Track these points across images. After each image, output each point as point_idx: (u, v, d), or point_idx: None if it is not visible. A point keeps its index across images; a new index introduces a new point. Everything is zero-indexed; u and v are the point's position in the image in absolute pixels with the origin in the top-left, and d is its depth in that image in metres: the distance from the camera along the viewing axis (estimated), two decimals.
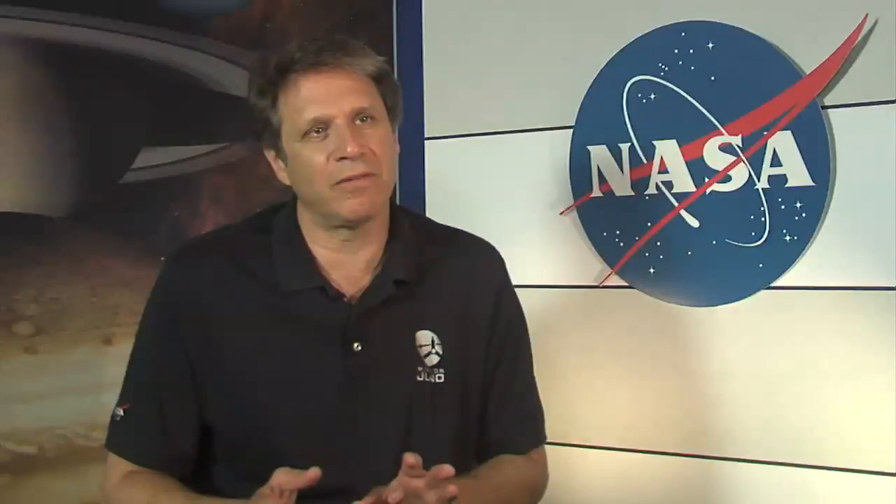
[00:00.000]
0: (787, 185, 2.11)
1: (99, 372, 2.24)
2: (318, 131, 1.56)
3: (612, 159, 2.31)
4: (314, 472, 1.40)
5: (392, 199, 1.67)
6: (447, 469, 1.42)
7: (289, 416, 1.58)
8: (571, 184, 2.37)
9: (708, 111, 2.19)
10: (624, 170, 2.29)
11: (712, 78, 2.18)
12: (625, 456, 2.32)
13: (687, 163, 2.22)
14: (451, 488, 1.42)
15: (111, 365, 2.18)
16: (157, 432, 1.61)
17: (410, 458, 1.42)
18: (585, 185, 2.35)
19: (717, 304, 2.21)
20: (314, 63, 1.56)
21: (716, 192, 2.19)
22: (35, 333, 2.21)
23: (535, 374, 1.78)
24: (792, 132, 2.10)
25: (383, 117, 1.60)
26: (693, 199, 2.21)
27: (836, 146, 2.07)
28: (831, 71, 2.05)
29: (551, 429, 1.80)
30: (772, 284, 2.14)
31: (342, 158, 1.54)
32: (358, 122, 1.56)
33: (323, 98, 1.55)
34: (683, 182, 2.22)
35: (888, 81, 2.01)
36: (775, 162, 2.12)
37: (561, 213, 2.39)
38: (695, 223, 2.22)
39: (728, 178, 2.17)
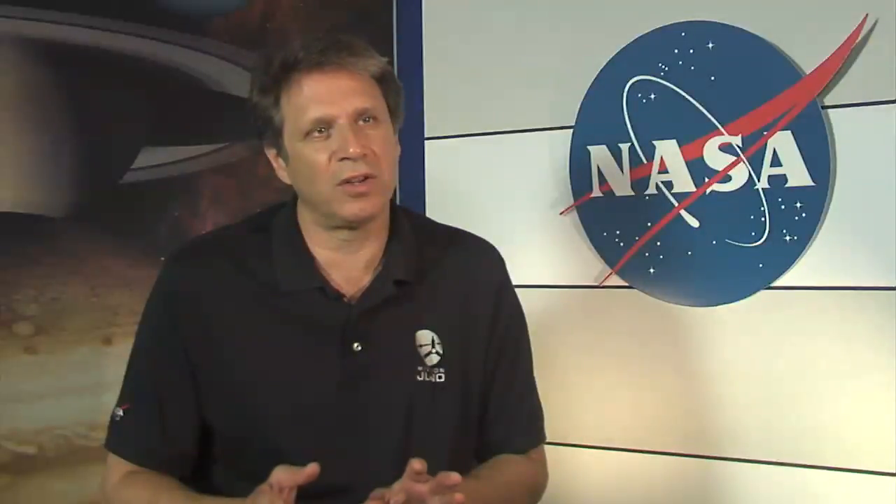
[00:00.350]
0: (787, 185, 2.11)
1: (99, 372, 2.24)
2: (320, 131, 1.56)
3: (612, 159, 2.31)
4: (313, 469, 1.40)
5: (392, 199, 1.66)
6: (454, 477, 1.42)
7: (288, 416, 1.57)
8: (571, 184, 2.37)
9: (708, 111, 2.19)
10: (624, 170, 2.29)
11: (712, 78, 2.18)
12: (625, 456, 2.32)
13: (687, 163, 2.22)
14: (458, 496, 1.41)
15: (111, 365, 2.18)
16: (157, 432, 1.61)
17: (416, 464, 1.42)
18: (585, 185, 2.35)
19: (717, 304, 2.21)
20: (318, 62, 1.56)
21: (716, 192, 2.19)
22: (35, 333, 2.21)
23: (535, 373, 1.77)
24: (792, 132, 2.10)
25: (385, 118, 1.60)
26: (693, 199, 2.21)
27: (836, 146, 2.07)
28: (831, 71, 2.05)
29: (551, 429, 1.80)
30: (772, 284, 2.14)
31: (344, 158, 1.54)
32: (360, 122, 1.56)
33: (326, 98, 1.55)
34: (683, 182, 2.22)
35: (888, 81, 2.01)
36: (775, 162, 2.12)
37: (561, 213, 2.39)
38: (695, 223, 2.22)
39: (728, 178, 2.17)
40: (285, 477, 1.41)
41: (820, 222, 2.08)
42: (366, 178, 1.55)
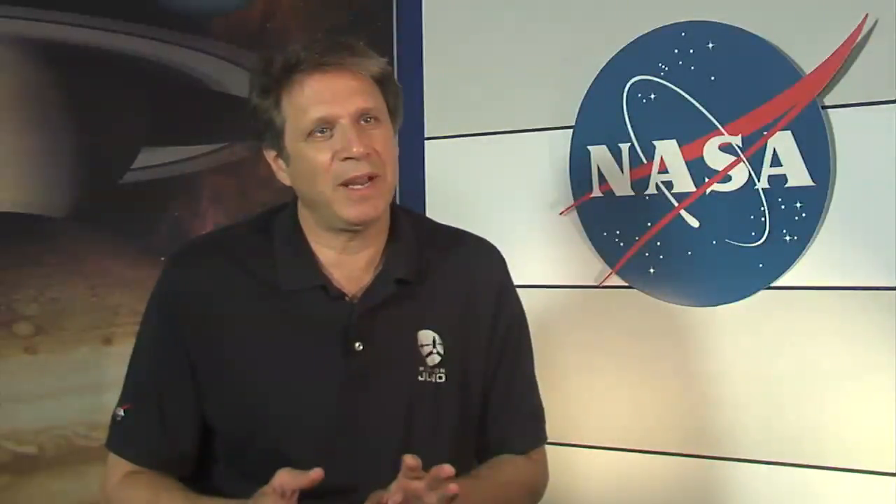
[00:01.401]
0: (787, 185, 2.11)
1: (99, 372, 2.24)
2: (322, 131, 1.56)
3: (612, 159, 2.31)
4: (317, 473, 1.40)
5: (392, 199, 1.66)
6: (447, 469, 1.42)
7: (290, 415, 1.58)
8: (571, 184, 2.37)
9: (708, 111, 2.19)
10: (624, 170, 2.29)
11: (712, 78, 2.18)
12: (625, 456, 2.32)
13: (687, 163, 2.22)
14: (452, 487, 1.42)
15: (111, 365, 2.18)
16: (158, 433, 1.61)
17: (410, 460, 1.42)
18: (585, 185, 2.35)
19: (717, 304, 2.21)
20: (320, 63, 1.56)
21: (716, 192, 2.19)
22: (35, 333, 2.21)
23: (536, 373, 1.77)
24: (792, 132, 2.10)
25: (386, 118, 1.61)
26: (693, 199, 2.21)
27: (836, 146, 2.07)
28: (831, 71, 2.05)
29: (551, 429, 1.80)
30: (772, 284, 2.14)
31: (347, 158, 1.54)
32: (362, 122, 1.57)
33: (328, 98, 1.55)
34: (683, 182, 2.22)
35: (888, 81, 2.01)
36: (775, 162, 2.12)
37: (561, 213, 2.39)
38: (695, 223, 2.22)
39: (728, 178, 2.17)
40: (288, 480, 1.41)
41: (820, 222, 2.08)
42: (370, 178, 1.55)
